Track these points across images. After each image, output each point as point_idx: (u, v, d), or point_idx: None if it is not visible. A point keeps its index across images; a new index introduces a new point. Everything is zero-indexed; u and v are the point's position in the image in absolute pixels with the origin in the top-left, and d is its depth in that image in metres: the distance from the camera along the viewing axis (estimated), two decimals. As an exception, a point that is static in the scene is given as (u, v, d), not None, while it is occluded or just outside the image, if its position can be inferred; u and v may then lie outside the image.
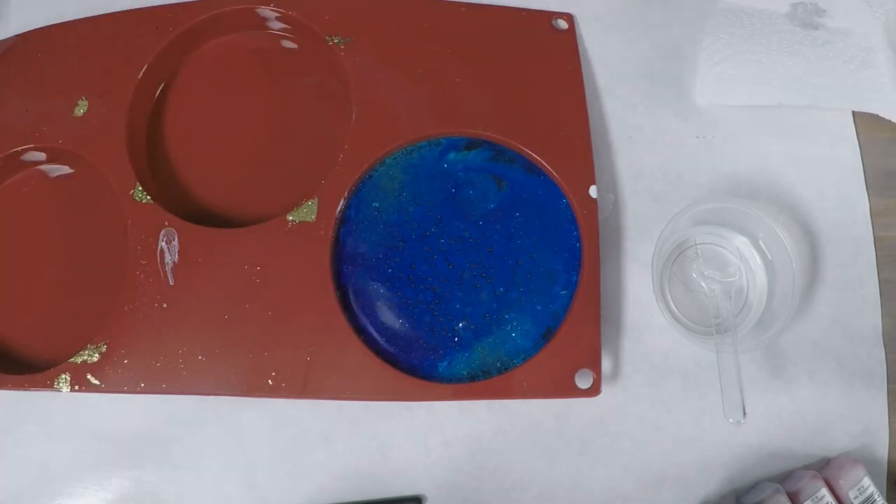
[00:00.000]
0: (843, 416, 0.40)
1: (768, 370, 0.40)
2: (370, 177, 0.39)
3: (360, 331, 0.37)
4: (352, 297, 0.37)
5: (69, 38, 0.41)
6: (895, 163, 0.44)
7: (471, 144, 0.40)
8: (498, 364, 0.37)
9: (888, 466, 0.40)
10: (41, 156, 0.40)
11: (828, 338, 0.41)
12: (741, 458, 0.40)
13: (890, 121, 0.41)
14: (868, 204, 0.43)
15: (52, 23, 0.42)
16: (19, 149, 0.39)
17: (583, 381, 0.36)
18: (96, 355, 0.36)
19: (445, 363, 0.37)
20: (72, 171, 0.41)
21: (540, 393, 0.36)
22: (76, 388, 0.36)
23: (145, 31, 0.41)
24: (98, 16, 0.42)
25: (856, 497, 0.37)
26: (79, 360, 0.36)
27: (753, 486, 0.39)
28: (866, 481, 0.37)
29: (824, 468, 0.39)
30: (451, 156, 0.40)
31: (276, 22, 0.42)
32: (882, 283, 0.42)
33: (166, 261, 0.37)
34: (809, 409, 0.40)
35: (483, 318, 0.37)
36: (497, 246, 0.38)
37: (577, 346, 0.36)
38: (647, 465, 0.39)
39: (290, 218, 0.38)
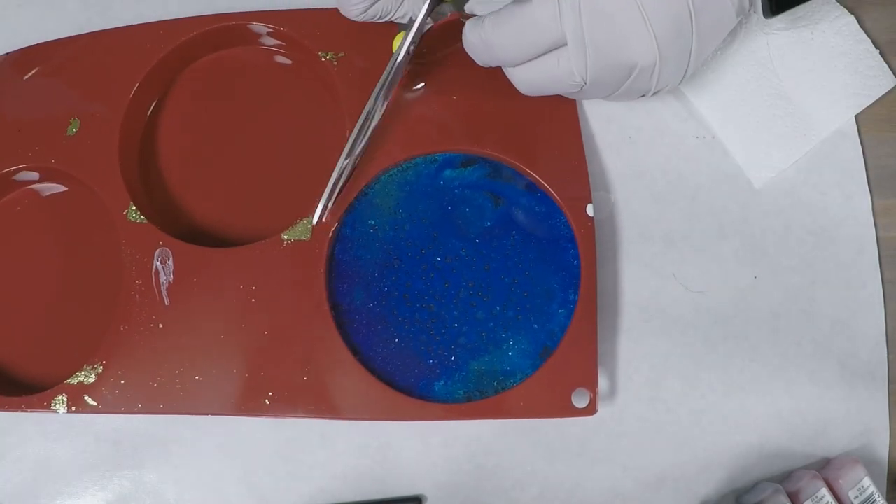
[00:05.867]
0: (844, 416, 0.40)
1: (769, 370, 0.40)
2: (365, 194, 0.39)
3: (356, 350, 0.37)
4: (347, 315, 0.37)
5: (59, 57, 0.41)
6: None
7: (467, 161, 0.39)
8: (495, 383, 0.37)
9: (888, 466, 0.41)
10: (34, 175, 0.40)
11: (829, 337, 0.41)
12: (741, 458, 0.40)
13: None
14: (871, 203, 0.42)
15: (42, 41, 0.42)
16: (11, 168, 0.39)
17: (579, 400, 0.36)
18: (93, 376, 0.36)
19: (442, 382, 0.37)
20: (65, 190, 0.41)
21: (536, 413, 0.36)
22: (73, 409, 0.36)
23: (137, 49, 0.40)
24: (88, 34, 0.41)
25: (856, 497, 0.37)
26: (75, 381, 0.36)
27: (753, 486, 0.39)
28: (866, 481, 0.37)
29: (824, 468, 0.39)
30: (448, 173, 0.39)
31: (268, 38, 0.42)
32: (885, 283, 0.42)
33: (161, 281, 0.37)
34: (809, 409, 0.40)
35: (480, 337, 0.37)
36: (494, 264, 0.38)
37: (575, 366, 0.36)
38: (647, 465, 0.39)
39: (285, 237, 0.37)
